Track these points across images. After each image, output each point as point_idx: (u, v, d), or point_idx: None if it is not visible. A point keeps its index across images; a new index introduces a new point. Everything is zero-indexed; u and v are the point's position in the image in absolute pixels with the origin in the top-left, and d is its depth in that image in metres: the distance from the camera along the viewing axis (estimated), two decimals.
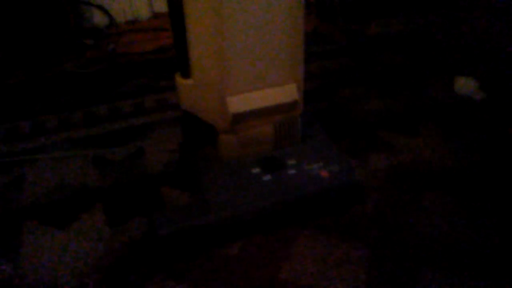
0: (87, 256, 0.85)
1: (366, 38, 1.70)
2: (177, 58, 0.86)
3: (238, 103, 0.87)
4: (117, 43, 1.68)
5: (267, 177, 0.90)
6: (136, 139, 1.17)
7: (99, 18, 1.80)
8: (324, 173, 0.91)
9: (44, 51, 1.62)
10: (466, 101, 1.26)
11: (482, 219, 0.89)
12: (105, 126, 1.24)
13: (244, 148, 0.94)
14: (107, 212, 0.94)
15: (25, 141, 1.19)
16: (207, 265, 0.82)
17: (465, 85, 1.28)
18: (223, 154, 0.94)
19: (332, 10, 1.83)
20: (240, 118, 0.88)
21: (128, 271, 0.82)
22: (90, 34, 1.74)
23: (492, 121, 1.18)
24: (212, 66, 0.82)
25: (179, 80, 0.88)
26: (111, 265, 0.83)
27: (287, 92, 0.90)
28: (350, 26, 1.78)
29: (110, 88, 1.43)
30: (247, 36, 0.81)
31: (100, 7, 1.78)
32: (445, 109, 1.24)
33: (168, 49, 1.57)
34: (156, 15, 1.90)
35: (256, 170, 0.91)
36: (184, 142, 1.03)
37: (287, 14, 0.82)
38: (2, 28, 1.53)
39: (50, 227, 0.92)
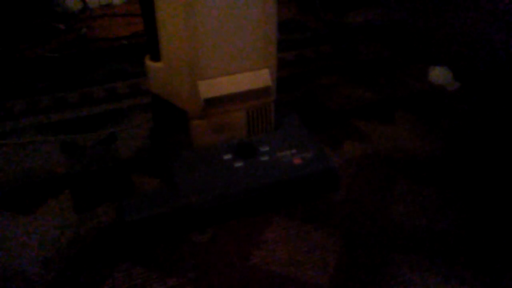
0: (53, 243, 0.82)
1: (344, 27, 1.69)
2: (147, 40, 0.84)
3: (210, 88, 0.85)
4: (90, 28, 1.64)
5: (239, 164, 0.89)
6: (107, 125, 1.15)
7: (71, 2, 1.75)
8: (297, 160, 0.90)
9: (15, 34, 1.57)
10: (440, 91, 1.27)
11: (454, 206, 0.89)
12: (76, 112, 1.21)
13: (216, 134, 0.92)
14: (74, 198, 0.92)
15: None
16: (176, 251, 0.81)
17: (439, 74, 1.28)
18: (194, 140, 0.92)
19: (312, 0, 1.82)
20: (211, 103, 0.87)
21: (95, 258, 0.80)
22: (62, 18, 1.69)
23: (465, 110, 1.19)
24: (183, 48, 0.80)
25: (149, 63, 0.86)
26: (77, 252, 0.81)
27: (259, 78, 0.88)
28: (329, 15, 1.77)
29: (82, 73, 1.40)
30: (219, 18, 0.79)
31: None
32: (419, 98, 1.25)
33: (142, 34, 1.54)
34: (130, 0, 1.86)
35: (227, 157, 0.90)
36: (154, 128, 1.01)
37: None
38: None
39: (14, 213, 0.89)
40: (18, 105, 1.24)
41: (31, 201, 0.92)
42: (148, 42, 0.83)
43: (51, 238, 0.83)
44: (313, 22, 1.75)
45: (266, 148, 0.92)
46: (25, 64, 1.44)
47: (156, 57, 0.84)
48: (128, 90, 1.30)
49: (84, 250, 0.81)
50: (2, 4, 1.51)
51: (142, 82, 1.32)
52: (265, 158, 0.90)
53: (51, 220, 0.87)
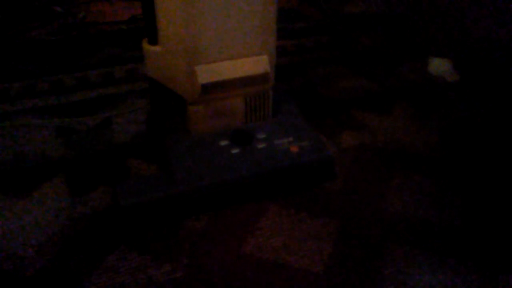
0: (47, 226, 0.82)
1: (344, 18, 1.68)
2: (145, 23, 0.82)
3: (207, 73, 0.84)
4: (88, 11, 1.63)
5: (235, 150, 0.88)
6: (104, 110, 1.14)
7: None
8: (294, 148, 0.90)
9: (12, 17, 1.55)
10: (440, 82, 1.26)
11: (451, 198, 0.89)
12: (72, 96, 1.20)
13: (213, 120, 0.91)
14: (69, 182, 0.91)
15: None
16: (171, 237, 0.80)
17: (439, 66, 1.28)
18: (191, 126, 0.91)
19: None
20: (209, 89, 0.86)
21: (89, 242, 0.79)
22: (59, 1, 1.67)
23: (464, 102, 1.18)
24: (181, 32, 0.79)
25: (146, 46, 0.84)
26: (71, 236, 0.80)
27: (258, 64, 0.87)
28: (328, 5, 1.76)
29: (79, 57, 1.38)
30: (218, 2, 0.78)
31: None
32: (418, 90, 1.24)
33: (140, 19, 1.53)
34: None
35: (224, 143, 0.89)
36: (151, 113, 1.00)
37: None
38: None
39: (9, 196, 0.88)
40: (14, 88, 1.23)
41: (26, 184, 0.91)
42: (146, 26, 0.82)
43: (45, 221, 0.83)
44: (313, 12, 1.74)
45: (263, 135, 0.91)
46: (22, 47, 1.43)
47: (154, 41, 0.83)
48: (125, 74, 1.29)
49: (78, 234, 0.81)
50: None
51: (139, 67, 1.30)
52: (262, 145, 0.89)
53: (45, 204, 0.87)
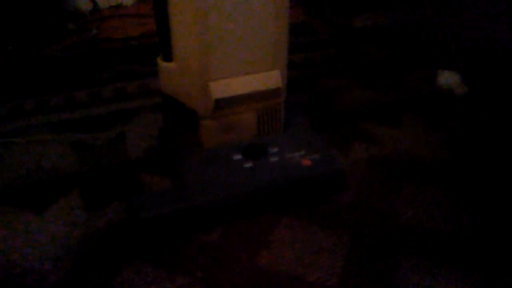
0: (63, 241, 0.83)
1: (352, 31, 1.70)
2: (159, 41, 0.84)
3: (221, 89, 0.86)
4: (100, 28, 1.66)
5: (248, 164, 0.89)
6: (117, 125, 1.16)
7: (82, 3, 1.76)
8: (306, 162, 0.91)
9: (26, 34, 1.59)
10: (448, 95, 1.27)
11: (462, 210, 0.89)
12: (85, 111, 1.22)
13: (226, 134, 0.93)
14: (84, 197, 0.93)
15: (2, 124, 1.17)
16: (185, 250, 0.81)
17: (447, 78, 1.28)
18: (204, 140, 0.93)
19: (319, 3, 1.82)
20: (222, 104, 0.87)
21: (105, 256, 0.80)
22: (72, 18, 1.71)
23: (473, 114, 1.19)
24: (195, 50, 0.81)
25: (161, 63, 0.86)
26: (87, 250, 0.81)
27: (270, 79, 0.89)
28: (337, 19, 1.78)
29: (92, 73, 1.41)
30: (231, 20, 0.80)
31: None
32: (427, 102, 1.25)
33: (152, 35, 1.55)
34: (141, 1, 1.88)
35: (237, 157, 0.90)
36: (164, 128, 1.02)
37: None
38: None
39: (25, 211, 0.90)
40: (29, 103, 1.25)
41: (41, 199, 0.92)
42: (160, 43, 0.84)
43: (61, 236, 0.84)
44: (321, 26, 1.76)
45: (275, 149, 0.92)
46: (35, 64, 1.45)
47: (168, 58, 0.85)
48: (138, 90, 1.31)
49: (93, 248, 0.82)
50: (15, 4, 1.52)
51: (151, 82, 1.32)
52: (274, 159, 0.90)
53: (61, 218, 0.88)
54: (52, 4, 1.61)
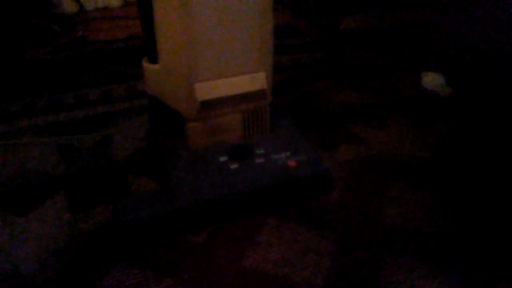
0: (49, 243, 0.83)
1: (338, 33, 1.71)
2: (144, 42, 0.84)
3: (206, 90, 0.86)
4: (86, 30, 1.65)
5: (234, 166, 0.89)
6: (103, 127, 1.15)
7: (68, 5, 1.76)
8: (292, 163, 0.92)
9: (11, 37, 1.57)
10: (433, 96, 1.29)
11: (447, 210, 0.91)
12: (71, 114, 1.22)
13: (212, 136, 0.93)
14: (70, 199, 0.92)
15: None
16: (172, 252, 0.81)
17: (432, 80, 1.30)
18: (190, 142, 0.93)
19: (306, 6, 1.84)
20: (207, 106, 0.88)
21: (91, 258, 0.80)
22: (58, 20, 1.70)
23: (457, 115, 1.21)
24: (180, 51, 0.81)
25: (146, 65, 0.87)
26: (73, 252, 0.81)
27: (255, 81, 0.89)
28: (323, 21, 1.79)
29: (78, 75, 1.40)
30: (216, 22, 0.80)
31: None
32: (412, 104, 1.26)
33: (138, 37, 1.55)
34: (127, 3, 1.87)
35: (223, 158, 0.91)
36: (150, 130, 1.02)
37: (257, 2, 0.81)
38: None
39: (10, 213, 0.89)
40: (14, 106, 1.24)
41: (27, 201, 0.92)
42: (146, 44, 0.84)
43: (47, 238, 0.84)
44: (307, 28, 1.77)
45: (261, 151, 0.93)
46: (21, 66, 1.45)
47: (154, 59, 0.85)
48: (124, 92, 1.31)
49: (80, 251, 0.82)
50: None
51: (138, 84, 1.32)
52: (260, 160, 0.91)
53: (46, 221, 0.88)
54: (37, 6, 1.60)
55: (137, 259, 0.80)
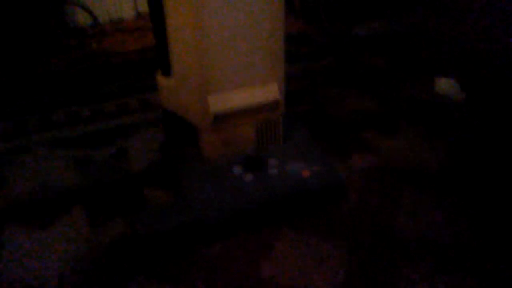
0: (68, 256, 0.84)
1: (350, 40, 1.71)
2: (158, 56, 0.86)
3: (219, 102, 0.87)
4: (101, 43, 1.67)
5: (248, 177, 0.90)
6: (119, 139, 1.16)
7: (82, 18, 1.78)
8: (306, 173, 0.92)
9: (27, 51, 1.60)
10: (446, 102, 1.28)
11: (460, 218, 0.90)
12: (87, 127, 1.23)
13: (226, 147, 0.94)
14: (88, 213, 0.94)
15: (6, 141, 1.18)
16: (189, 264, 0.82)
17: (445, 86, 1.29)
18: (204, 154, 0.94)
19: (317, 13, 1.84)
20: (221, 117, 0.88)
21: (110, 271, 0.81)
22: (73, 34, 1.72)
23: (471, 121, 1.19)
24: (193, 64, 0.82)
25: (160, 78, 0.88)
26: (92, 265, 0.82)
27: (268, 92, 0.90)
28: (334, 29, 1.79)
29: (93, 88, 1.42)
30: (228, 35, 0.81)
31: (84, 7, 1.77)
32: (425, 109, 1.25)
33: (152, 49, 1.56)
34: (140, 15, 1.89)
35: (237, 170, 0.91)
36: (165, 142, 1.03)
37: (268, 14, 0.82)
38: None
39: (31, 227, 0.91)
40: (32, 120, 1.26)
41: (46, 215, 0.93)
42: (160, 58, 0.86)
43: (65, 252, 0.85)
44: (319, 36, 1.77)
45: (275, 161, 0.93)
46: (36, 80, 1.47)
47: (167, 73, 0.86)
48: (138, 104, 1.32)
49: (98, 263, 0.83)
50: (16, 22, 1.54)
51: (151, 96, 1.33)
52: (274, 171, 0.91)
53: (65, 234, 0.89)
54: (52, 20, 1.63)
55: (154, 271, 0.81)
